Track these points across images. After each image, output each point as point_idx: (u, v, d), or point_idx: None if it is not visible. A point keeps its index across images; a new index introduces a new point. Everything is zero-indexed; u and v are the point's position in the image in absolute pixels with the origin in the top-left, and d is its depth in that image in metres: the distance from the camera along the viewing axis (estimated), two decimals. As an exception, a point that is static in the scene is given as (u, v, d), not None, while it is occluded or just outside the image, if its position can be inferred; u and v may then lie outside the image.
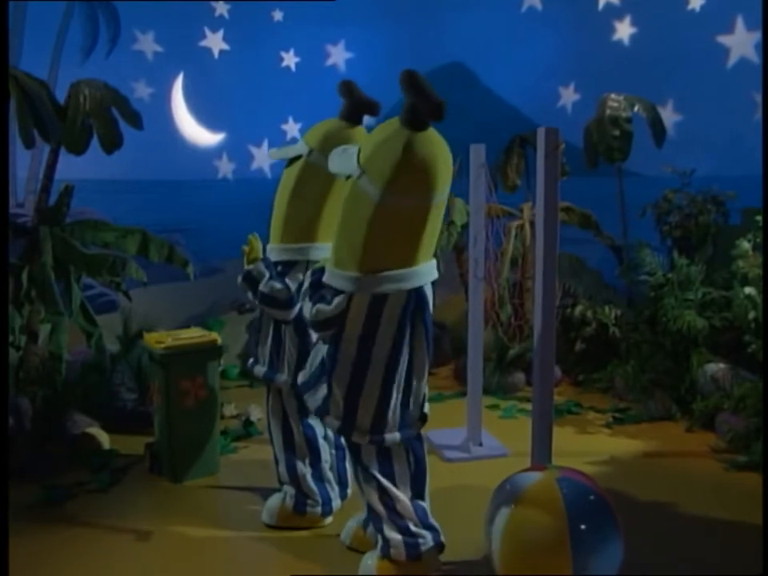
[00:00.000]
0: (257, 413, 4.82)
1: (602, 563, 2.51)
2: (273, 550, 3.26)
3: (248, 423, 4.75)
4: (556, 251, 3.11)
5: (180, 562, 3.16)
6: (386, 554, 2.90)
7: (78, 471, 4.03)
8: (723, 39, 5.80)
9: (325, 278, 2.82)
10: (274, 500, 3.47)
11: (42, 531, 3.40)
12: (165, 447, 3.99)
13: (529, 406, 5.00)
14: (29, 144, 4.35)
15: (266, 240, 3.40)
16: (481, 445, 4.34)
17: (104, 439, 4.38)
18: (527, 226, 5.77)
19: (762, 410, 4.06)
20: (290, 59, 7.22)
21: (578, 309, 5.75)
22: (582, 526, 2.49)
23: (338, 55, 7.36)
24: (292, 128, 7.25)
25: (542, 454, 3.18)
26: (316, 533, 3.36)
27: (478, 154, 4.22)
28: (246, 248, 3.35)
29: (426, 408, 2.97)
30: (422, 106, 2.55)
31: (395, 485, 2.90)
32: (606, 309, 5.62)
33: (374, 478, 2.88)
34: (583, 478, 2.75)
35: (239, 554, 3.25)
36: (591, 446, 4.43)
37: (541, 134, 3.07)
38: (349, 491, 3.52)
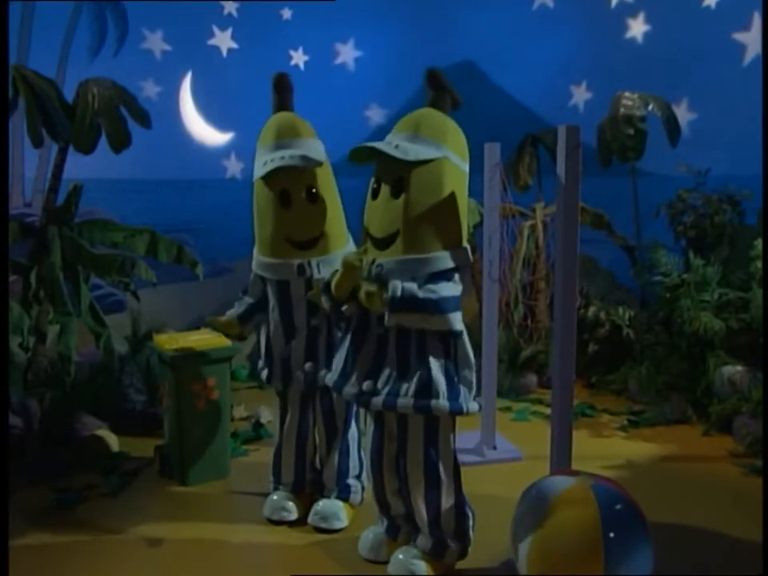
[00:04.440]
0: (267, 414, 4.76)
1: (631, 573, 2.46)
2: (283, 554, 3.20)
3: (258, 425, 4.70)
4: (576, 252, 3.05)
5: (189, 566, 3.11)
6: (438, 556, 2.87)
7: (86, 474, 3.97)
8: (739, 36, 5.71)
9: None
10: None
11: (52, 535, 3.35)
12: (175, 450, 3.94)
13: (542, 409, 5.01)
14: (37, 143, 4.31)
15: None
16: (495, 448, 4.28)
17: (113, 441, 4.32)
18: (539, 227, 5.71)
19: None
20: (298, 58, 7.14)
21: (591, 310, 5.67)
22: (616, 535, 2.44)
23: (348, 54, 7.28)
24: (300, 126, 7.22)
25: (561, 458, 3.11)
26: (328, 538, 3.29)
27: (493, 153, 4.14)
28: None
29: None
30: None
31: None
32: (620, 310, 5.55)
33: (453, 458, 2.86)
34: (614, 486, 2.69)
35: (249, 558, 3.20)
36: (606, 450, 4.37)
37: (561, 132, 2.99)
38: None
